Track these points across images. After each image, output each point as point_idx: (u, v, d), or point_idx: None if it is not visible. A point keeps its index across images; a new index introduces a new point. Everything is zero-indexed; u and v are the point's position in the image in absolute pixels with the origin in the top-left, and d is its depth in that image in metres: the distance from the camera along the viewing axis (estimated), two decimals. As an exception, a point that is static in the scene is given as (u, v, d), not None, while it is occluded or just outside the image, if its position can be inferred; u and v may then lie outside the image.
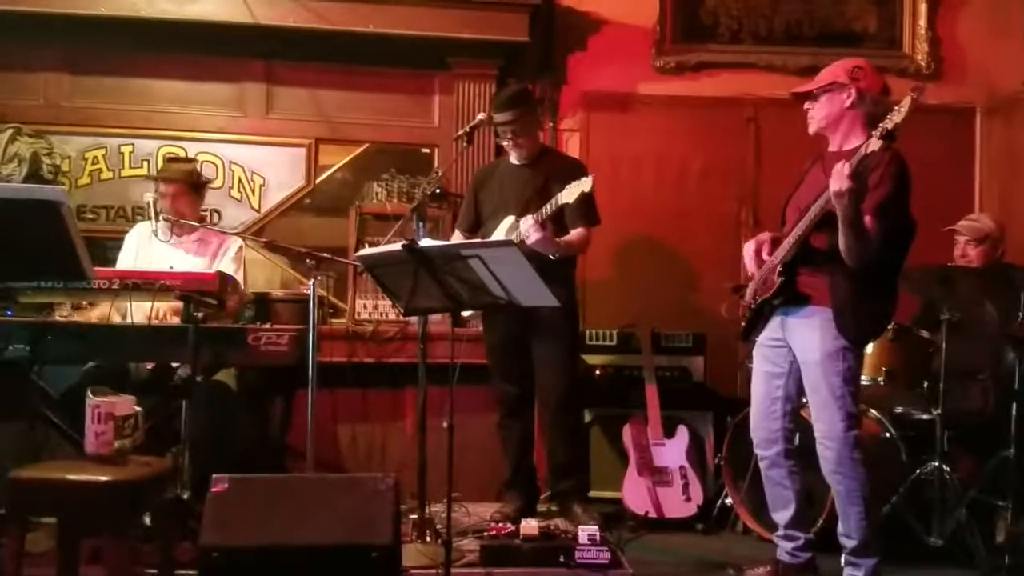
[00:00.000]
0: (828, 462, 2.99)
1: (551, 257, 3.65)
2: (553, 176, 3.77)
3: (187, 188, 3.81)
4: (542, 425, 4.03)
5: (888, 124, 2.60)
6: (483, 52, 4.58)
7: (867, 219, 2.83)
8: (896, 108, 2.60)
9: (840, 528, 3.05)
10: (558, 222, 3.76)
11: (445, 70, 4.67)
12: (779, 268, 3.00)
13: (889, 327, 3.71)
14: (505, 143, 3.89)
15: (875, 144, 2.64)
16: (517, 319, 3.74)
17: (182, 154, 4.48)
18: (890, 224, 2.87)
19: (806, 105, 3.09)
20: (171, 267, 3.54)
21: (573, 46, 4.80)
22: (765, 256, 3.10)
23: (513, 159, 3.91)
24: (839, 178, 2.70)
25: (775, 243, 3.11)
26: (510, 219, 3.79)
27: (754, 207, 4.78)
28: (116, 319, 3.42)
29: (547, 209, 3.64)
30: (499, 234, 3.79)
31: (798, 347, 3.05)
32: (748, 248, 3.17)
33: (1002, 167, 4.83)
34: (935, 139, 4.86)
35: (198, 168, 4.11)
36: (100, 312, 3.45)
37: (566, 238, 3.76)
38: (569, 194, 3.55)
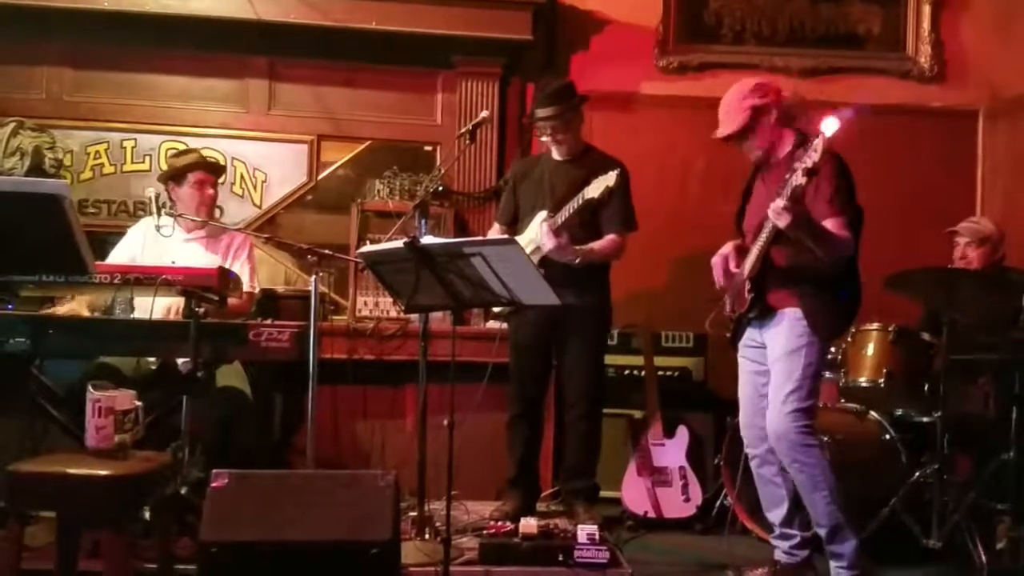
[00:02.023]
0: (783, 455, 3.05)
1: (573, 264, 3.65)
2: (593, 175, 3.70)
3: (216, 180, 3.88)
4: (563, 425, 4.03)
5: (808, 163, 2.72)
6: (486, 50, 4.59)
7: (831, 221, 2.95)
8: (813, 147, 2.72)
9: (813, 521, 3.08)
10: (591, 226, 3.75)
11: (448, 68, 4.67)
12: (748, 284, 3.09)
13: (891, 329, 3.73)
14: (546, 139, 3.86)
15: (801, 179, 2.75)
16: (548, 320, 3.75)
17: (184, 148, 4.48)
18: (849, 215, 2.98)
19: (736, 142, 3.17)
20: (173, 262, 3.54)
21: (576, 45, 4.79)
22: (733, 268, 3.19)
23: (555, 154, 3.88)
24: (779, 214, 2.82)
25: (740, 252, 3.19)
26: (542, 214, 3.78)
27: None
28: (85, 314, 3.43)
29: (569, 210, 3.63)
30: (531, 230, 3.79)
31: (769, 348, 3.13)
32: (716, 262, 3.24)
33: (1005, 170, 4.83)
34: (937, 142, 4.88)
35: None
36: (69, 307, 3.45)
37: (589, 245, 3.74)
38: (594, 189, 3.54)
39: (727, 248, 3.23)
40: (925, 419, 3.68)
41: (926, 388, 3.69)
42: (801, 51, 4.84)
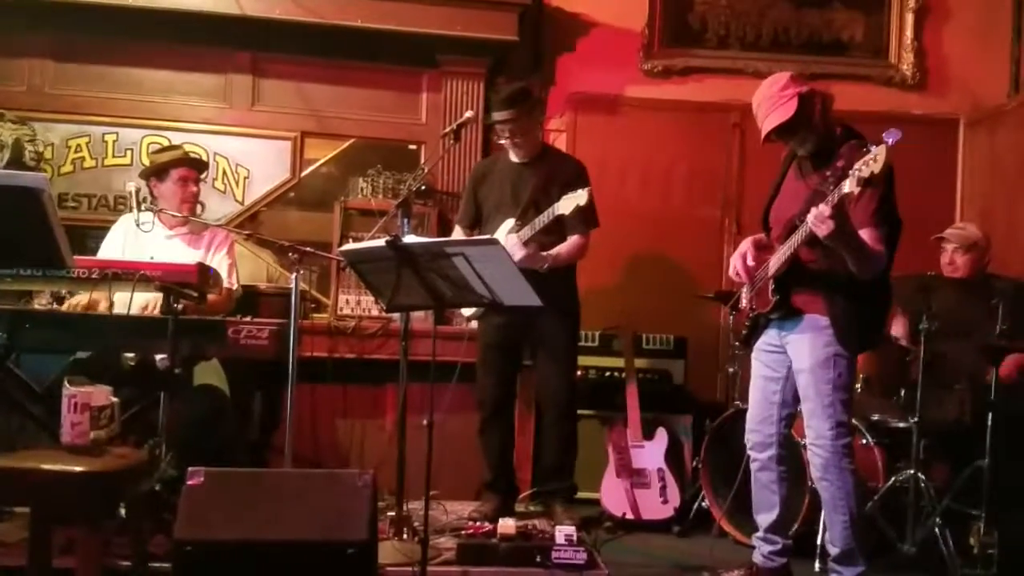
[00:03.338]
0: (816, 468, 3.02)
1: (542, 270, 3.67)
2: (554, 177, 3.77)
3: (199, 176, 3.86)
4: (540, 427, 4.05)
5: (864, 172, 2.56)
6: (472, 50, 4.59)
7: (866, 232, 2.83)
8: (873, 156, 2.56)
9: (826, 535, 3.07)
10: (555, 229, 3.77)
11: (434, 67, 4.67)
12: (772, 285, 3.01)
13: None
14: (503, 141, 3.88)
15: (853, 187, 2.60)
16: (518, 322, 3.76)
17: (166, 144, 4.45)
18: (888, 228, 2.87)
19: (785, 138, 3.00)
20: (152, 257, 3.52)
21: (562, 47, 4.81)
22: (750, 261, 3.10)
23: (512, 157, 3.90)
24: (822, 222, 2.67)
25: (759, 248, 3.12)
26: (510, 222, 3.80)
27: (737, 213, 4.80)
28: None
29: (538, 224, 3.65)
30: (499, 237, 3.78)
31: (793, 355, 3.06)
32: (735, 260, 3.16)
33: (984, 178, 4.88)
34: (918, 149, 4.89)
35: None
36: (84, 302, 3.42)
37: (555, 249, 3.76)
38: (565, 206, 3.57)
39: (745, 245, 3.14)
40: (901, 425, 3.70)
41: (903, 394, 3.73)
42: (785, 57, 4.87)
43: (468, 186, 4.08)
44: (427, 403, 3.04)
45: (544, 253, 3.71)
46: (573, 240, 3.81)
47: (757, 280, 3.10)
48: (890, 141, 2.56)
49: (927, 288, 3.53)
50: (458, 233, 4.02)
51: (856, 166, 2.59)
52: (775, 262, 3.00)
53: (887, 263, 2.92)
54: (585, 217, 3.78)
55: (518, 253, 3.63)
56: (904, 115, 4.93)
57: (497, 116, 3.82)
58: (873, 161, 2.55)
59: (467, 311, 3.90)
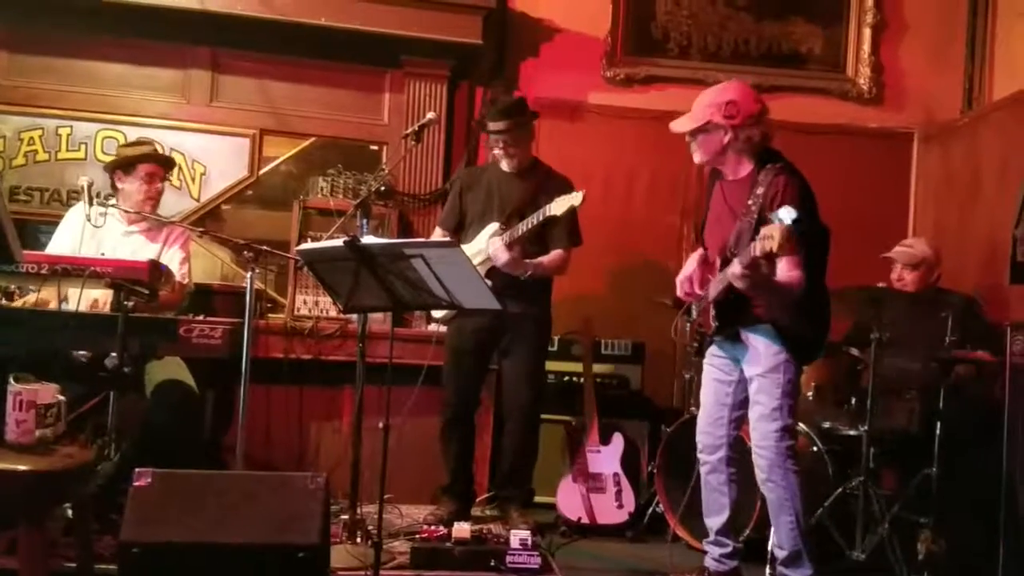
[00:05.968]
0: (761, 470, 3.05)
1: (522, 277, 3.67)
2: (543, 189, 3.77)
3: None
4: (501, 432, 4.04)
5: (766, 246, 2.60)
6: (435, 52, 4.58)
7: (782, 262, 2.88)
8: (769, 234, 2.59)
9: (773, 538, 3.11)
10: (539, 240, 3.78)
11: (397, 67, 4.65)
12: (713, 311, 3.07)
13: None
14: (496, 151, 3.89)
15: (758, 251, 2.67)
16: (488, 327, 3.75)
17: (121, 139, 4.39)
18: (806, 246, 2.91)
19: (687, 138, 3.15)
20: (102, 253, 3.45)
21: (525, 52, 4.82)
22: (696, 283, 3.17)
23: (503, 167, 3.91)
24: (737, 279, 2.83)
25: (703, 263, 3.18)
26: (492, 226, 3.80)
27: (696, 222, 4.83)
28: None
29: (527, 225, 3.65)
30: (481, 239, 3.81)
31: (744, 366, 3.12)
32: (682, 281, 3.22)
33: (937, 192, 4.97)
34: (874, 162, 5.00)
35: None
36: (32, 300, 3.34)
37: (539, 259, 3.78)
38: (558, 207, 3.57)
39: (691, 265, 3.20)
40: (852, 433, 3.75)
41: (853, 402, 3.79)
42: (744, 68, 4.92)
43: (454, 190, 4.08)
44: (383, 405, 3.02)
45: (527, 261, 3.72)
46: (556, 253, 3.83)
47: (702, 300, 3.16)
48: (787, 221, 2.59)
49: (878, 300, 3.59)
50: (438, 235, 4.01)
51: (762, 234, 2.64)
52: (714, 289, 3.07)
53: (818, 278, 3.00)
54: (570, 231, 3.82)
55: (502, 257, 3.65)
56: (860, 128, 5.02)
57: (493, 126, 3.83)
58: (771, 239, 2.59)
59: (437, 313, 3.90)
